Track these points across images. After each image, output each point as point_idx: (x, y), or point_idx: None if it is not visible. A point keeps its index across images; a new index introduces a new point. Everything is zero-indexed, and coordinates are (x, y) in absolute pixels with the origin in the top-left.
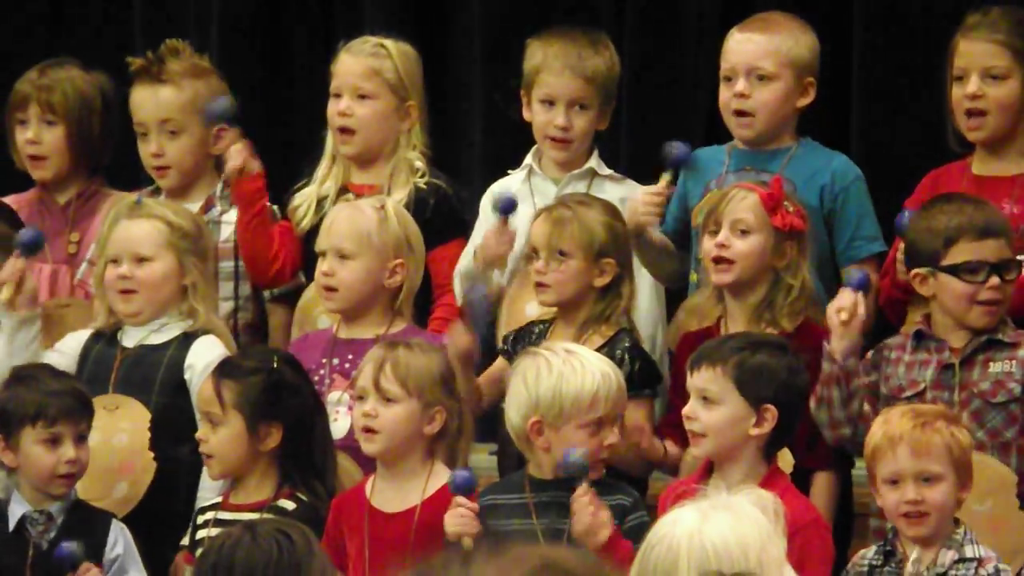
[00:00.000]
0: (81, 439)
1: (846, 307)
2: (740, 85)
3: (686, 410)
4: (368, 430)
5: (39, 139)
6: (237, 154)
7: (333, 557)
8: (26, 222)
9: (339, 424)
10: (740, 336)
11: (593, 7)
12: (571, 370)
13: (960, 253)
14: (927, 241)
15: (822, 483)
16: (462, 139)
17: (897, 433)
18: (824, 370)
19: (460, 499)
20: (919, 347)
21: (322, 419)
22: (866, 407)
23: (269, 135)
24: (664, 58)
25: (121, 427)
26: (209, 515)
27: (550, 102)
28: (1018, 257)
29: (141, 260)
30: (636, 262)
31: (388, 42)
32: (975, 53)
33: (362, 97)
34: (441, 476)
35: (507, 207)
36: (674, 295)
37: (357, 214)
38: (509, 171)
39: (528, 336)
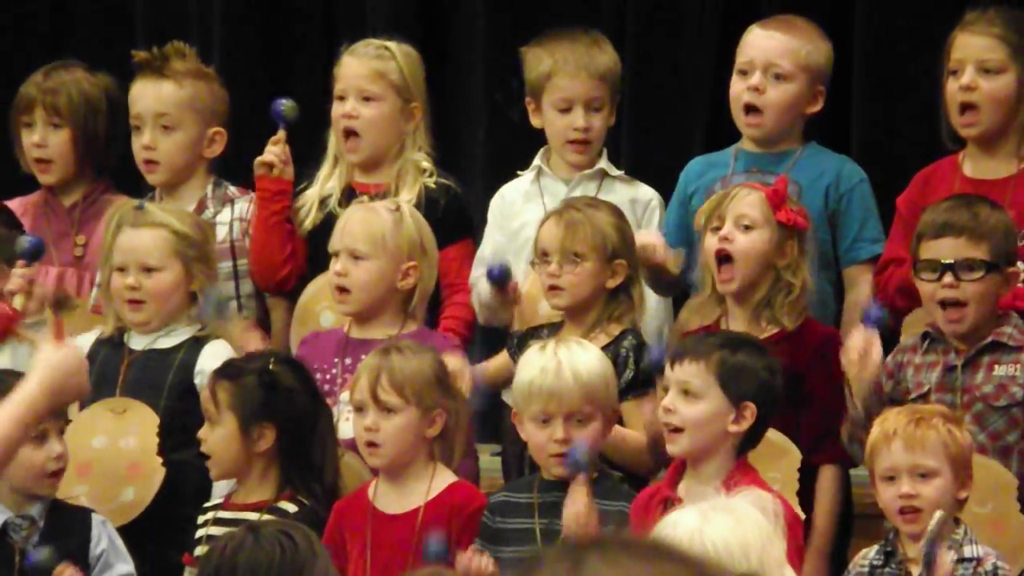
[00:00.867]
0: (60, 433)
1: (859, 347)
2: (756, 79)
3: (665, 402)
4: (371, 444)
5: (45, 142)
6: (274, 154)
7: (332, 559)
8: (32, 224)
9: (351, 424)
10: (720, 333)
11: (594, 6)
12: (526, 362)
13: (923, 252)
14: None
15: (828, 477)
16: (464, 140)
17: (892, 429)
18: (849, 413)
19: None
20: (928, 349)
21: (323, 420)
22: None
23: (269, 135)
24: (664, 57)
25: (129, 430)
26: (210, 514)
27: (566, 107)
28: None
29: (149, 270)
30: None
31: (391, 44)
32: (971, 46)
33: (367, 99)
34: (443, 476)
35: (500, 277)
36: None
37: (372, 215)
38: (518, 172)
39: (536, 339)
